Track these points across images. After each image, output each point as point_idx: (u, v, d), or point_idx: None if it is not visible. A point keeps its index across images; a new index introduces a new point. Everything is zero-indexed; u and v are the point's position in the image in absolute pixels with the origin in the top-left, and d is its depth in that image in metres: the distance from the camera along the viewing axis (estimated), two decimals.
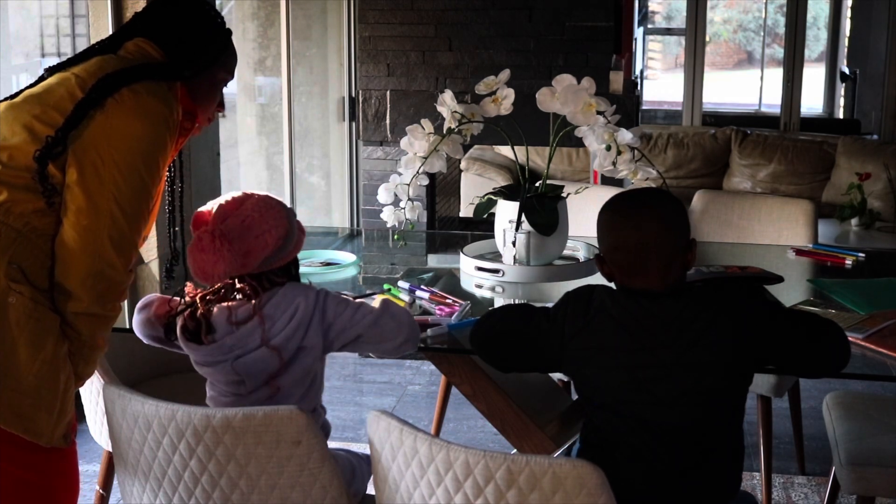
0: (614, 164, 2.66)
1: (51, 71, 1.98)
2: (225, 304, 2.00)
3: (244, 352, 1.98)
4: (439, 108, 2.78)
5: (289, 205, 2.09)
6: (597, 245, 1.99)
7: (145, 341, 2.13)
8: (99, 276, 1.84)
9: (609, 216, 1.96)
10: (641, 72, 9.27)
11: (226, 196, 2.02)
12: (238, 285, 2.02)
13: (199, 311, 2.00)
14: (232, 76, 2.12)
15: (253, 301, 1.98)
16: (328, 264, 2.93)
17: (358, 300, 2.09)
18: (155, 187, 1.93)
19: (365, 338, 2.02)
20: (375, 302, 2.08)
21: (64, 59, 2.03)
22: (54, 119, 1.85)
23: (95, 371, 2.43)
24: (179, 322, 2.02)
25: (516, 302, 2.70)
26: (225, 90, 2.15)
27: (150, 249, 3.80)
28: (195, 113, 2.07)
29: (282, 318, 1.97)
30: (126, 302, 2.74)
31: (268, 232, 1.96)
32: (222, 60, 2.07)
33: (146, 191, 1.89)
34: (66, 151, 1.83)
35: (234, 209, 1.97)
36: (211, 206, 2.00)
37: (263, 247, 1.95)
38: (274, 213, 1.99)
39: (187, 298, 2.04)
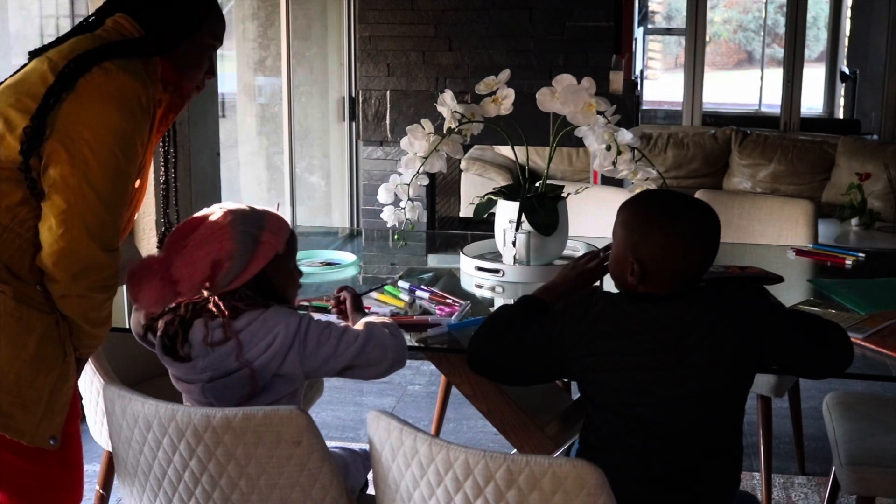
0: (614, 164, 2.66)
1: (33, 55, 1.95)
2: (202, 321, 1.95)
3: (217, 374, 1.94)
4: (439, 108, 2.78)
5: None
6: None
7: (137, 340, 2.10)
8: (72, 256, 1.80)
9: (659, 230, 1.88)
10: (641, 72, 9.26)
11: (209, 208, 1.96)
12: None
13: (179, 319, 1.95)
14: (220, 41, 2.05)
15: (224, 318, 1.93)
16: (328, 264, 2.93)
17: (343, 323, 2.03)
18: (131, 166, 1.87)
19: (352, 367, 1.96)
20: (360, 324, 2.02)
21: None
22: (28, 106, 1.82)
23: (95, 370, 2.45)
24: (160, 328, 1.97)
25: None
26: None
27: (150, 249, 3.80)
28: (181, 84, 2.02)
29: (259, 345, 1.92)
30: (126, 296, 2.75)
31: (201, 259, 1.88)
32: (206, 27, 2.00)
33: (119, 169, 1.83)
34: (44, 138, 1.80)
35: (186, 232, 1.91)
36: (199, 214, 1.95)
37: (191, 274, 1.88)
38: (219, 235, 1.89)
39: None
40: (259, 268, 1.93)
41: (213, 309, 1.95)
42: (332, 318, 2.22)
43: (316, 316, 2.08)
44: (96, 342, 1.96)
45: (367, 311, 2.22)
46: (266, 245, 1.93)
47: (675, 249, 1.88)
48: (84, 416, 2.66)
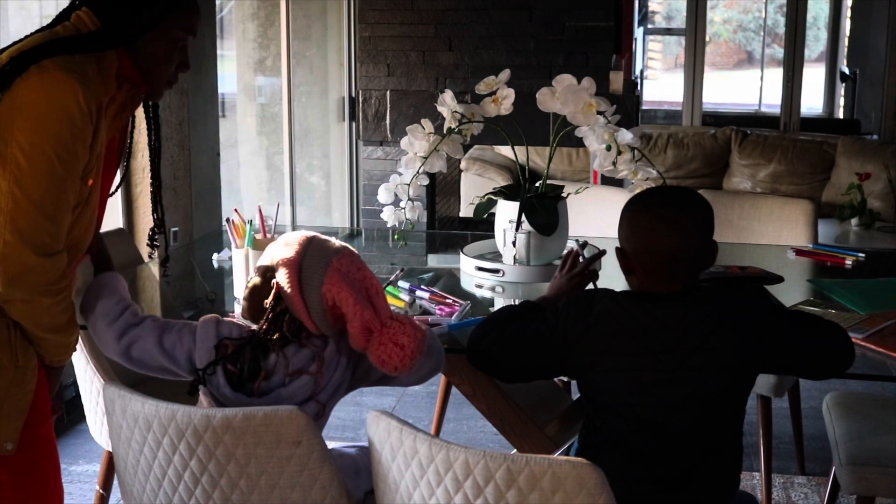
0: (614, 164, 2.66)
1: None
2: (274, 354, 1.86)
3: (293, 403, 1.85)
4: (439, 108, 2.78)
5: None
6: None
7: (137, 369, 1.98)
8: (5, 261, 1.74)
9: (644, 218, 1.91)
10: (641, 72, 9.26)
11: (328, 248, 1.86)
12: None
13: (259, 355, 1.86)
14: (191, 34, 1.92)
15: (313, 348, 1.86)
16: None
17: None
18: (70, 168, 1.78)
19: (392, 376, 1.91)
20: None
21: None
22: None
23: (95, 370, 2.44)
24: (225, 364, 1.86)
25: (515, 302, 2.69)
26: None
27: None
28: (143, 80, 1.91)
29: (328, 371, 1.88)
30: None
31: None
32: (172, 19, 1.87)
33: (55, 172, 1.75)
34: None
35: (357, 263, 1.85)
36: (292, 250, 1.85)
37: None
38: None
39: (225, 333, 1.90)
40: None
41: (305, 341, 1.87)
42: None
43: None
44: (62, 349, 1.91)
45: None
46: None
47: (641, 226, 1.90)
48: (84, 416, 2.67)
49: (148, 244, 2.20)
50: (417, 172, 2.75)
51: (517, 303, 2.20)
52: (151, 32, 1.87)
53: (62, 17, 1.90)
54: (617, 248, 1.96)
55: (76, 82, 1.75)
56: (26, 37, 1.86)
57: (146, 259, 3.14)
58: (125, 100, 1.93)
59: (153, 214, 2.18)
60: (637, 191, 2.62)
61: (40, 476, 1.96)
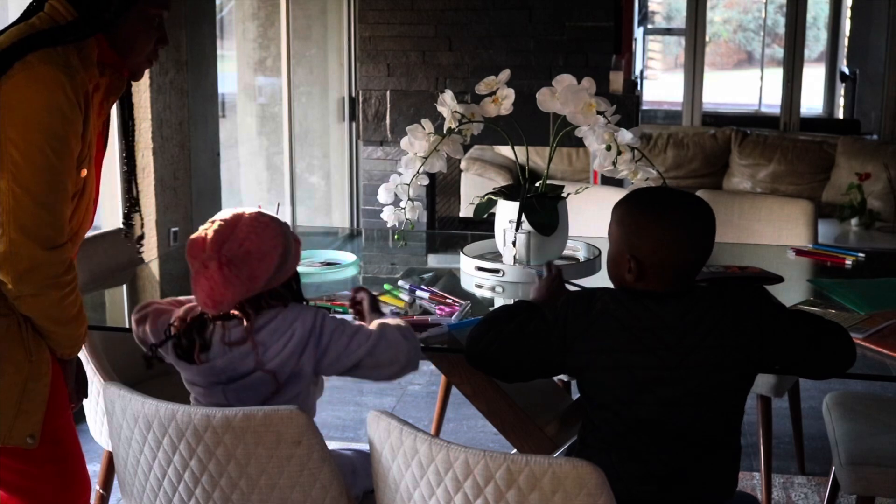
0: (614, 164, 2.66)
1: None
2: (219, 322, 1.93)
3: (236, 375, 1.92)
4: (439, 108, 2.78)
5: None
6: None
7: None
8: (13, 259, 1.76)
9: (651, 224, 1.90)
10: (641, 72, 9.26)
11: (217, 217, 1.92)
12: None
13: (195, 323, 1.93)
14: (166, 9, 1.95)
15: (245, 322, 1.92)
16: (328, 264, 2.93)
17: (357, 322, 2.03)
18: (65, 161, 1.80)
19: (360, 366, 1.96)
20: (374, 324, 2.01)
21: None
22: None
23: (95, 370, 2.44)
24: (174, 332, 1.95)
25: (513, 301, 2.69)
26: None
27: (150, 249, 3.80)
28: (123, 64, 1.93)
29: (277, 344, 1.91)
30: (126, 298, 2.74)
31: (268, 254, 1.89)
32: None
33: (51, 166, 1.77)
34: None
35: (229, 233, 1.88)
36: (203, 230, 1.91)
37: (266, 269, 1.88)
38: (270, 231, 1.91)
39: (177, 315, 1.97)
40: (297, 263, 1.99)
41: (235, 311, 1.92)
42: (349, 318, 2.21)
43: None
44: (73, 341, 1.94)
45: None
46: (297, 242, 1.99)
47: (669, 243, 1.89)
48: (84, 416, 2.67)
49: (123, 222, 2.20)
50: (417, 172, 2.75)
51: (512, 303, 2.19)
52: (127, 14, 1.88)
53: (36, 7, 1.90)
54: (629, 259, 1.92)
55: (62, 75, 1.78)
56: (2, 31, 1.87)
57: (146, 259, 3.14)
58: (109, 85, 1.94)
59: (127, 195, 2.17)
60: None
61: (67, 467, 2.00)
